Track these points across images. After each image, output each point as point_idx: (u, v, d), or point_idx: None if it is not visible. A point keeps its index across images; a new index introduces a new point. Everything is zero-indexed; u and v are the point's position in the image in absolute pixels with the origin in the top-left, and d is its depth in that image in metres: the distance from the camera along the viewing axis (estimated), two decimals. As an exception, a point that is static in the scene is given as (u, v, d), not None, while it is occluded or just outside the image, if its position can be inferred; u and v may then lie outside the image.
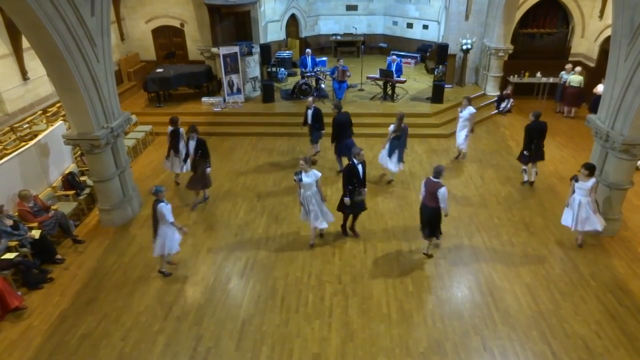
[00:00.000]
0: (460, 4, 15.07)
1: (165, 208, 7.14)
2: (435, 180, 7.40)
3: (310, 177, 7.78)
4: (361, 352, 6.19)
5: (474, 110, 10.99)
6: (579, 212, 7.83)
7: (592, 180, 7.69)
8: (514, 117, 14.56)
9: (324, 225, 8.18)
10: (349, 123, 10.47)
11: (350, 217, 8.62)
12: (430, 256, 8.04)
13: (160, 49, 17.39)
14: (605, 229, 8.16)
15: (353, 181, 8.00)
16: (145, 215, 9.42)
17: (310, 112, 10.98)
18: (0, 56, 11.16)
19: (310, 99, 11.48)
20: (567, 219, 8.10)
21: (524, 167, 10.36)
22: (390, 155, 9.98)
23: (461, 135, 11.13)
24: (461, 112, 11.01)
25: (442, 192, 7.28)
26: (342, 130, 10.36)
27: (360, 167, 8.03)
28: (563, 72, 14.48)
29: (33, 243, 7.79)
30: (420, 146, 12.35)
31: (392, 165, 10.05)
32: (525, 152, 9.99)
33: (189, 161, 9.66)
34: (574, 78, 13.99)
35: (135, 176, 9.94)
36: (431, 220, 7.68)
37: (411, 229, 8.83)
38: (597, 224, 7.87)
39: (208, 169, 9.42)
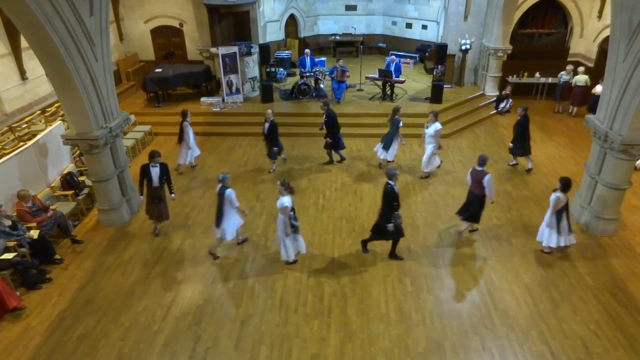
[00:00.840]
0: (459, 4, 15.09)
1: (233, 194, 7.59)
2: (479, 169, 7.96)
3: (279, 202, 7.20)
4: (360, 352, 6.18)
5: (440, 127, 10.32)
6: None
7: (554, 195, 7.43)
8: (512, 118, 14.49)
9: (287, 258, 7.68)
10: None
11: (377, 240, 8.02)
12: (474, 230, 8.68)
13: (159, 49, 17.38)
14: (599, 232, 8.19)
15: (394, 204, 7.53)
16: (143, 215, 9.42)
17: (267, 125, 10.46)
18: (-2, 56, 11.16)
19: (270, 111, 10.55)
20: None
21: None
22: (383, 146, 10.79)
23: (427, 151, 10.43)
24: (427, 127, 10.31)
25: (487, 179, 7.82)
26: (337, 124, 10.84)
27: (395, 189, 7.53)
28: (563, 73, 14.50)
29: (32, 243, 7.78)
30: (420, 147, 12.33)
31: (381, 154, 10.84)
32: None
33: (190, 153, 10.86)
34: (580, 78, 13.97)
35: (134, 176, 9.91)
36: (473, 205, 8.18)
37: (410, 229, 8.84)
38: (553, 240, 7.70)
39: (172, 196, 8.71)
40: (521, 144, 10.75)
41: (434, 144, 10.33)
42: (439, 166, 11.00)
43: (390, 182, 7.51)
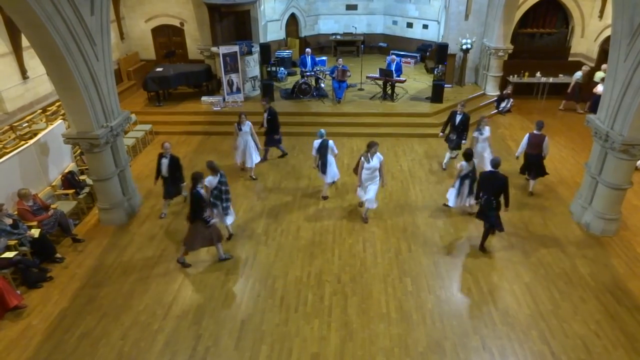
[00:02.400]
0: (460, 3, 15.08)
1: (333, 143, 9.34)
2: (538, 133, 9.43)
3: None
4: (360, 351, 6.19)
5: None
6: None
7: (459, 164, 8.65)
8: (513, 117, 14.57)
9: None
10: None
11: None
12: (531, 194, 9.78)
13: (159, 48, 17.39)
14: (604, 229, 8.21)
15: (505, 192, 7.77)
16: (144, 214, 9.44)
17: (165, 161, 8.89)
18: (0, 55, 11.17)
19: (167, 144, 8.96)
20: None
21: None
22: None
23: (487, 154, 9.86)
24: (481, 132, 9.90)
25: (546, 142, 9.42)
26: (278, 122, 10.98)
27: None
28: (579, 72, 14.23)
29: (32, 242, 7.78)
30: (420, 146, 12.35)
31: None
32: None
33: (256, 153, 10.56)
34: (600, 74, 13.79)
35: (134, 175, 9.93)
36: (536, 164, 9.63)
37: (410, 227, 8.84)
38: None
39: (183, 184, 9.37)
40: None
41: (489, 148, 10.02)
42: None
43: (494, 169, 7.86)
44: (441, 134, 11.01)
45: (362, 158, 8.54)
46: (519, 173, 10.33)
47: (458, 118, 10.45)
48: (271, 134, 11.11)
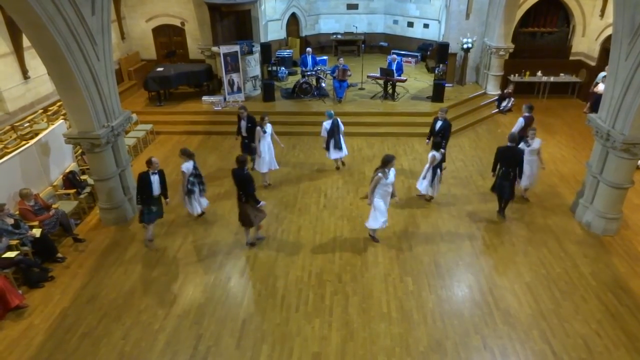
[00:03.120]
0: (460, 3, 15.06)
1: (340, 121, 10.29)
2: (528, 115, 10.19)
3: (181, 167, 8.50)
4: (361, 351, 6.19)
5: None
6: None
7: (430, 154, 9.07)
8: (514, 116, 14.50)
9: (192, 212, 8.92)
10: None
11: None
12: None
13: (160, 47, 17.39)
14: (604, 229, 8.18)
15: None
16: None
17: (155, 178, 8.15)
18: (0, 55, 11.16)
19: (155, 159, 8.30)
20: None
21: None
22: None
23: (533, 171, 9.29)
24: (530, 144, 9.07)
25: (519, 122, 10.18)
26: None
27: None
28: (603, 73, 13.87)
29: (34, 242, 7.79)
30: (421, 145, 12.33)
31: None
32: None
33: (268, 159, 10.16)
34: (603, 74, 13.62)
35: (135, 175, 9.91)
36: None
37: (411, 227, 8.84)
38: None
39: (167, 200, 8.57)
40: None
41: (538, 160, 9.27)
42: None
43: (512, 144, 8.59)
44: (427, 141, 10.51)
45: (379, 174, 7.67)
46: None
47: (438, 124, 10.03)
48: (251, 141, 10.15)
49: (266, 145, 9.97)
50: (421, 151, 12.08)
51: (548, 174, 10.75)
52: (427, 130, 12.94)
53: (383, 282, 7.45)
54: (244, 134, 10.23)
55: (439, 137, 9.85)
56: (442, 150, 9.40)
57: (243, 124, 10.15)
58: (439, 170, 9.30)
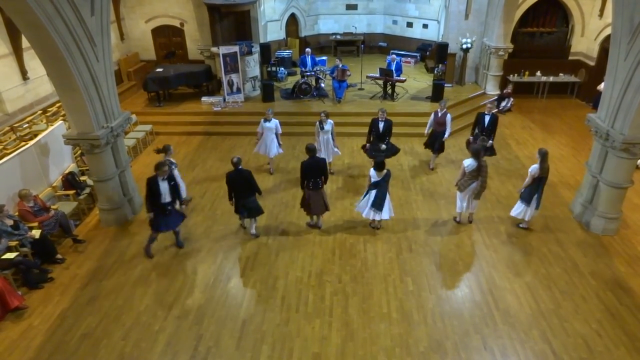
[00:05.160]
0: (460, 3, 15.08)
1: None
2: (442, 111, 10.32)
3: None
4: (361, 351, 6.19)
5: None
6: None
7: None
8: (514, 116, 14.56)
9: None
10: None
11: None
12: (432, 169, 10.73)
13: (160, 48, 17.39)
14: (604, 228, 8.14)
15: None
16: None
17: (165, 185, 7.78)
18: (0, 56, 11.16)
19: (168, 158, 8.48)
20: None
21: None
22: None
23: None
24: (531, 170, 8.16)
25: (449, 119, 10.36)
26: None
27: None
28: None
29: (33, 243, 7.78)
30: (420, 146, 12.30)
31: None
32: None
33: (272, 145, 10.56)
34: None
35: (135, 176, 9.92)
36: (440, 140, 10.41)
37: (411, 227, 8.84)
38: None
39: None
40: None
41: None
42: None
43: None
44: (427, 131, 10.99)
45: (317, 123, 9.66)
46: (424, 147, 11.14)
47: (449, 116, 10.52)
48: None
49: (324, 141, 10.28)
50: (420, 151, 12.07)
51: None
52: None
53: (383, 282, 7.45)
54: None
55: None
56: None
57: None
58: (374, 191, 8.22)
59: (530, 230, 8.73)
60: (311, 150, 8.23)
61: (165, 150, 8.71)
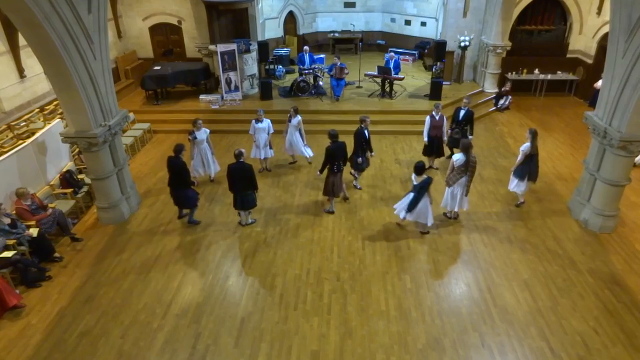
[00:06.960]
0: (458, 1, 15.08)
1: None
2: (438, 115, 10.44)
3: None
4: (360, 349, 6.20)
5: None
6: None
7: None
8: (512, 114, 14.58)
9: None
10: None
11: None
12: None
13: (157, 46, 17.32)
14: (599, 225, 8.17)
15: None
16: (143, 212, 9.43)
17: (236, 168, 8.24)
18: (-3, 54, 11.12)
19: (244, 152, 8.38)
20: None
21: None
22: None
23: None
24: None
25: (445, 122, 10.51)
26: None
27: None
28: None
29: (31, 241, 7.77)
30: (419, 144, 12.32)
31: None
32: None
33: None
34: None
35: (133, 174, 9.92)
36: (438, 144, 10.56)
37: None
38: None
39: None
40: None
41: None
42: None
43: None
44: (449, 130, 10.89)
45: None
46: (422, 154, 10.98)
47: (463, 113, 10.72)
48: None
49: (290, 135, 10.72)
50: (419, 149, 12.06)
51: (545, 172, 10.78)
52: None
53: (381, 280, 7.46)
54: None
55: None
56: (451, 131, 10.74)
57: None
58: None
59: (527, 228, 8.75)
60: (333, 135, 8.77)
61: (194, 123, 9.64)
